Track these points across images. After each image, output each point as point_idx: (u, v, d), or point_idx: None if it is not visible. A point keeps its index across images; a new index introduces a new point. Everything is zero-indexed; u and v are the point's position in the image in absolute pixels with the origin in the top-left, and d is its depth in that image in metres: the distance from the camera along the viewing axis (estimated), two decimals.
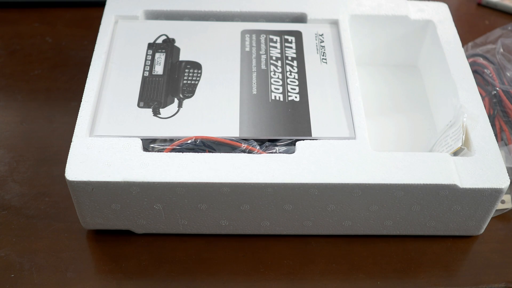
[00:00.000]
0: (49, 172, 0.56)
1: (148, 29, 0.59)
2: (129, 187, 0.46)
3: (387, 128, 0.59)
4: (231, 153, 0.48)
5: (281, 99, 0.53)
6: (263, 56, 0.57)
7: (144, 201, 0.47)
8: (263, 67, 0.56)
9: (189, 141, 0.49)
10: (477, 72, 0.62)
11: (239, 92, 0.54)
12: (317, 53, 0.58)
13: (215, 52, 0.57)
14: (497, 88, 0.60)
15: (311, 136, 0.50)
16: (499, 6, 0.78)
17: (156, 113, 0.51)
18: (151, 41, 0.58)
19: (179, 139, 0.49)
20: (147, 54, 0.57)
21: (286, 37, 0.59)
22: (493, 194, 0.47)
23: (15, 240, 0.51)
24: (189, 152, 0.48)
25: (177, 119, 0.51)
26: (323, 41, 0.59)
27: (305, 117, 0.52)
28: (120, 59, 0.56)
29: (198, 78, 0.55)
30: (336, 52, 0.58)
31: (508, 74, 0.61)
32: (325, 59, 0.57)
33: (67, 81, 0.66)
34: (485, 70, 0.62)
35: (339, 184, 0.46)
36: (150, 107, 0.52)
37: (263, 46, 0.58)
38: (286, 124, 0.51)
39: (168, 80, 0.54)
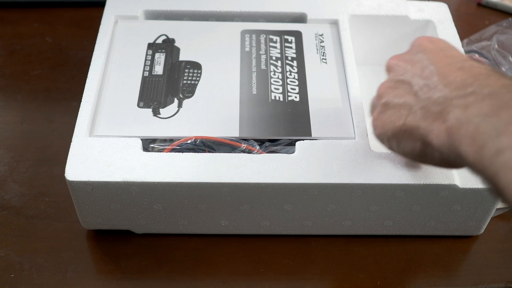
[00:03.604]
0: (49, 172, 0.56)
1: (148, 29, 0.59)
2: (129, 187, 0.46)
3: None
4: (231, 153, 0.48)
5: (281, 99, 0.53)
6: (263, 56, 0.57)
7: (144, 201, 0.47)
8: (263, 67, 0.56)
9: (189, 141, 0.49)
10: None
11: (239, 92, 0.54)
12: (317, 53, 0.58)
13: (215, 52, 0.57)
14: None
15: (311, 136, 0.50)
16: (499, 6, 0.78)
17: (156, 113, 0.51)
18: (151, 41, 0.58)
19: (179, 139, 0.49)
20: (147, 54, 0.57)
21: (286, 37, 0.59)
22: None
23: (15, 240, 0.51)
24: (189, 152, 0.48)
25: (177, 119, 0.51)
26: (323, 41, 0.59)
27: (305, 117, 0.52)
28: (120, 59, 0.56)
29: (198, 78, 0.55)
30: (336, 52, 0.58)
31: (504, 70, 0.62)
32: (325, 59, 0.57)
33: (67, 81, 0.66)
34: None
35: (339, 184, 0.46)
36: (150, 107, 0.52)
37: (263, 46, 0.58)
38: (286, 124, 0.51)
39: (168, 80, 0.54)
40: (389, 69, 0.44)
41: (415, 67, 0.40)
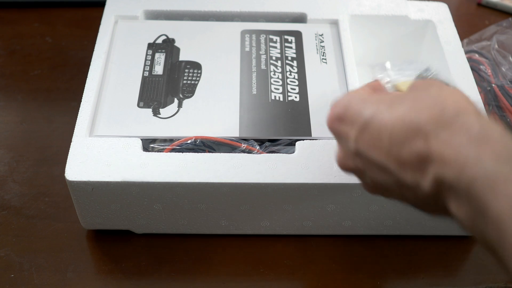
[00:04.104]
0: (49, 172, 0.56)
1: (148, 29, 0.59)
2: (128, 187, 0.46)
3: None
4: (231, 153, 0.48)
5: (281, 99, 0.53)
6: (263, 56, 0.57)
7: (144, 201, 0.47)
8: (263, 67, 0.56)
9: (189, 141, 0.49)
10: (473, 68, 0.63)
11: (239, 92, 0.54)
12: (317, 53, 0.58)
13: (215, 52, 0.57)
14: (493, 84, 0.60)
15: (311, 136, 0.50)
16: (499, 6, 0.78)
17: (156, 113, 0.51)
18: (151, 41, 0.58)
19: (179, 139, 0.49)
20: (147, 54, 0.57)
21: (286, 37, 0.59)
22: None
23: (15, 240, 0.51)
24: (189, 152, 0.48)
25: (177, 119, 0.51)
26: (323, 41, 0.59)
27: (305, 117, 0.52)
28: (120, 59, 0.56)
29: (198, 78, 0.55)
30: (336, 52, 0.58)
31: (503, 69, 0.62)
32: (325, 59, 0.57)
33: (67, 81, 0.66)
34: (481, 67, 0.63)
35: (339, 184, 0.46)
36: (150, 107, 0.52)
37: (263, 46, 0.58)
38: (286, 124, 0.51)
39: (168, 80, 0.54)
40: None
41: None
